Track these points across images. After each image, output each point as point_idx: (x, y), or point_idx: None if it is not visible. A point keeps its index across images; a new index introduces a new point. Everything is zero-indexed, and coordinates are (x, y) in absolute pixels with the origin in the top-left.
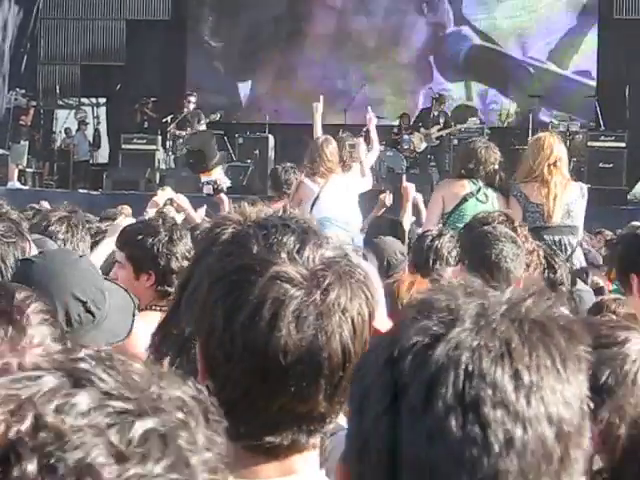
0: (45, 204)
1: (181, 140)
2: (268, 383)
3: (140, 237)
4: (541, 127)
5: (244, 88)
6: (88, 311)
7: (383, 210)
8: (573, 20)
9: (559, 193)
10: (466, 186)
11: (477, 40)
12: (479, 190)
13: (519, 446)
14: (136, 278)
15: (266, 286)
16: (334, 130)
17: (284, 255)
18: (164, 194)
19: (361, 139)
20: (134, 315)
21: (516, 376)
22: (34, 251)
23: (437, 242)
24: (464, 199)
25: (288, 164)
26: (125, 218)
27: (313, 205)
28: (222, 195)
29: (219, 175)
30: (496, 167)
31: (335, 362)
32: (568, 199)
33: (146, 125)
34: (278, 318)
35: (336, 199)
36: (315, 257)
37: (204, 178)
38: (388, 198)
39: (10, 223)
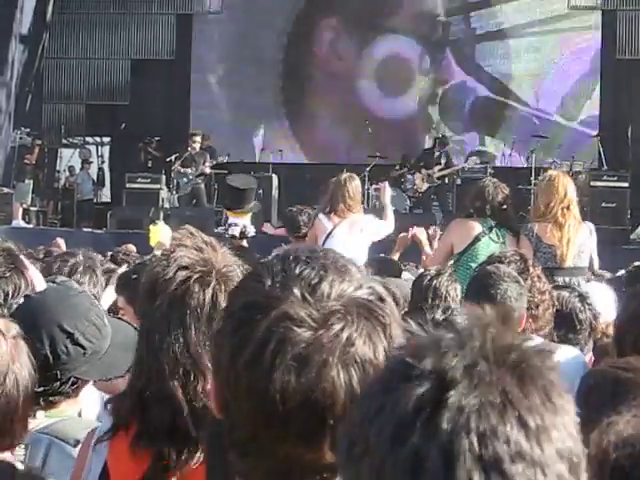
0: (61, 242)
1: (185, 179)
2: (271, 427)
3: (135, 277)
4: (544, 166)
5: (250, 132)
6: (76, 343)
7: (402, 249)
8: (586, 66)
9: (572, 236)
10: (478, 226)
11: (483, 91)
12: (491, 229)
13: None
14: (138, 319)
15: (271, 326)
16: (338, 169)
17: (297, 291)
18: (157, 230)
19: (387, 183)
20: None
21: (523, 424)
22: (41, 285)
23: (435, 281)
24: (477, 238)
25: (299, 206)
26: (125, 268)
27: (325, 241)
28: (244, 242)
29: (247, 221)
30: (504, 206)
31: (340, 411)
32: (580, 241)
33: (150, 164)
34: (279, 360)
35: (347, 238)
36: (332, 294)
37: (233, 219)
38: (409, 238)
39: (6, 258)
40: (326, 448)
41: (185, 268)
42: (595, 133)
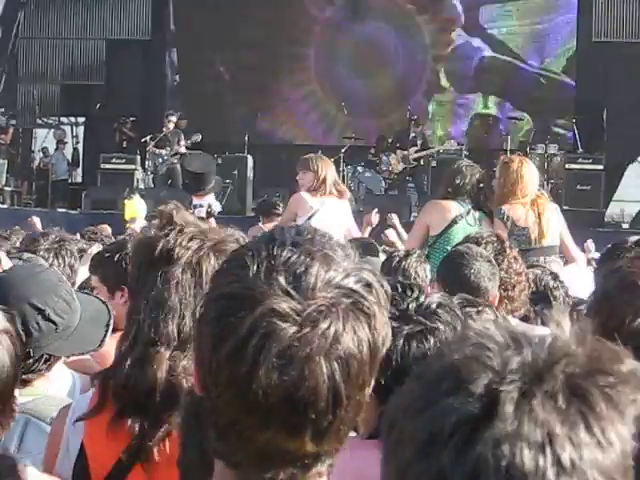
0: (37, 221)
1: (161, 160)
2: (252, 417)
3: (107, 255)
4: (517, 150)
5: (226, 111)
6: (48, 319)
7: (369, 230)
8: None
9: (548, 215)
10: (455, 208)
11: (489, 52)
12: (468, 212)
13: None
14: (112, 297)
15: (255, 321)
16: (313, 150)
17: (282, 282)
18: (132, 204)
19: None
20: (108, 325)
21: (558, 463)
22: (6, 264)
23: (404, 262)
24: (453, 221)
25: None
26: (98, 247)
27: (309, 219)
28: (212, 220)
29: (211, 199)
30: (480, 186)
31: (322, 406)
32: (553, 220)
33: (125, 145)
34: (262, 356)
35: (333, 220)
36: (317, 284)
37: (196, 201)
38: (374, 217)
39: None
40: (307, 438)
41: (195, 238)
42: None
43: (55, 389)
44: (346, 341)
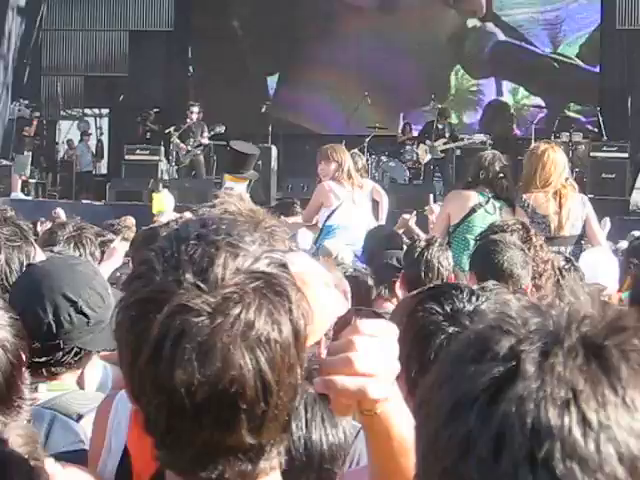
0: (61, 212)
1: (184, 151)
2: (184, 419)
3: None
4: (542, 138)
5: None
6: (80, 312)
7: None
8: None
9: (570, 206)
10: (474, 197)
11: (502, 36)
12: (488, 201)
13: None
14: None
15: (167, 320)
16: (337, 140)
17: (189, 276)
18: (160, 198)
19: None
20: None
21: (584, 422)
22: (40, 256)
23: (426, 253)
24: (472, 210)
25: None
26: (121, 241)
27: (335, 210)
28: None
29: (243, 188)
30: (502, 175)
31: (252, 395)
32: (575, 210)
33: (148, 137)
34: (179, 354)
35: (360, 209)
36: (226, 274)
37: (229, 183)
38: (412, 219)
39: (15, 228)
40: (244, 431)
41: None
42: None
43: (85, 382)
44: (262, 325)
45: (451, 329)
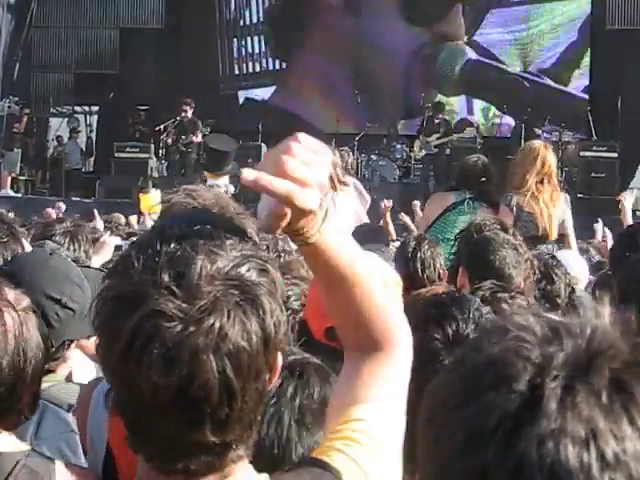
0: (62, 206)
1: (174, 148)
2: (150, 415)
3: None
4: (533, 137)
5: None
6: (65, 307)
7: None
8: (575, 34)
9: (551, 208)
10: (451, 199)
11: (473, 55)
12: (464, 201)
13: None
14: None
15: (139, 323)
16: (326, 138)
17: (166, 278)
18: (148, 197)
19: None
20: None
21: (602, 458)
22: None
23: (419, 251)
24: (446, 210)
25: None
26: (110, 236)
27: None
28: None
29: (226, 181)
30: (483, 180)
31: (216, 400)
32: (559, 211)
33: (138, 135)
34: (146, 357)
35: (344, 206)
36: (202, 280)
37: (211, 181)
38: (388, 202)
39: (2, 224)
40: (208, 431)
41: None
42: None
43: (74, 375)
44: (233, 336)
45: (447, 360)
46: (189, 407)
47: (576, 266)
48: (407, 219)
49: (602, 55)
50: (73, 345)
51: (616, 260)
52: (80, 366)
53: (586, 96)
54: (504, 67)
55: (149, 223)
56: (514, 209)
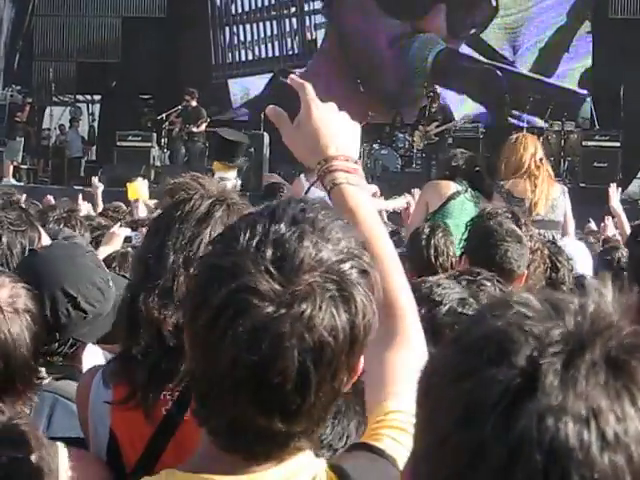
0: (51, 199)
1: (179, 136)
2: (223, 391)
3: None
4: (536, 126)
5: (242, 89)
6: (78, 307)
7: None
8: (563, 18)
9: (545, 188)
10: (452, 186)
11: (443, 44)
12: (466, 190)
13: None
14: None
15: (230, 294)
16: None
17: (268, 259)
18: (135, 186)
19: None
20: None
21: (602, 437)
22: (46, 240)
23: (433, 239)
24: (451, 197)
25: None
26: (120, 227)
27: (306, 193)
28: None
29: (234, 174)
30: (476, 170)
31: (290, 389)
32: (553, 195)
33: (150, 124)
34: (232, 329)
35: (324, 194)
36: (304, 266)
37: (220, 173)
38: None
39: (20, 212)
40: (276, 418)
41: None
42: (573, 87)
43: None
44: (320, 328)
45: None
46: (263, 390)
47: (579, 252)
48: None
49: (605, 44)
50: (83, 349)
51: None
52: (89, 355)
53: (564, 84)
54: (478, 57)
55: (142, 210)
56: (504, 195)
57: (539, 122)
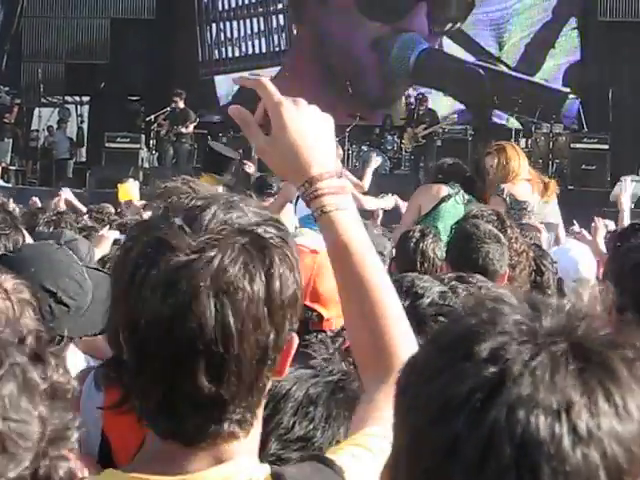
0: (37, 201)
1: (167, 137)
2: (147, 356)
3: None
4: (523, 129)
5: (229, 85)
6: (59, 302)
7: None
8: (549, 14)
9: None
10: (444, 189)
11: (426, 44)
12: (458, 193)
13: None
14: None
15: (143, 250)
16: None
17: (178, 220)
18: (126, 188)
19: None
20: None
21: (574, 431)
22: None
23: (422, 244)
24: (442, 200)
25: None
26: (109, 230)
27: (297, 202)
28: None
29: (221, 190)
30: (467, 174)
31: (210, 337)
32: (551, 198)
33: (143, 126)
34: (148, 283)
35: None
36: (213, 223)
37: (206, 186)
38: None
39: (5, 215)
40: (201, 375)
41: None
42: (558, 83)
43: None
44: (234, 273)
45: None
46: (182, 342)
47: (583, 255)
48: (401, 202)
49: (593, 46)
50: (69, 345)
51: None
52: (72, 359)
53: (549, 80)
54: (460, 56)
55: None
56: (507, 199)
57: (523, 123)
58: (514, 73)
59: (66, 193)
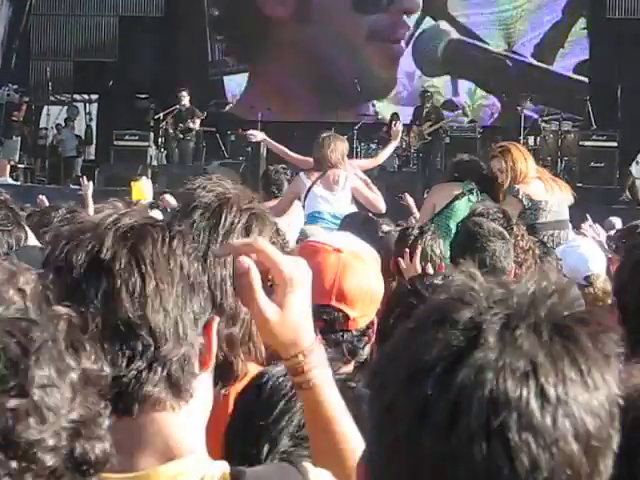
0: (44, 199)
1: (173, 135)
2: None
3: None
4: (532, 125)
5: (237, 85)
6: None
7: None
8: (558, 14)
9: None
10: (458, 188)
11: (455, 34)
12: (471, 191)
13: (545, 469)
14: None
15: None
16: (326, 127)
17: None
18: (139, 186)
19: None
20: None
21: (542, 394)
22: (32, 241)
23: (420, 242)
24: (456, 197)
25: (280, 166)
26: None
27: (305, 198)
28: None
29: None
30: (483, 172)
31: (124, 264)
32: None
33: (152, 124)
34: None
35: (327, 193)
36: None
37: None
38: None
39: (8, 212)
40: (125, 299)
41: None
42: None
43: None
44: (127, 222)
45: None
46: (101, 274)
47: (593, 251)
48: (410, 200)
49: (602, 44)
50: None
51: None
52: None
53: (571, 74)
54: (487, 47)
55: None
56: (523, 199)
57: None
58: (539, 64)
59: (88, 188)
